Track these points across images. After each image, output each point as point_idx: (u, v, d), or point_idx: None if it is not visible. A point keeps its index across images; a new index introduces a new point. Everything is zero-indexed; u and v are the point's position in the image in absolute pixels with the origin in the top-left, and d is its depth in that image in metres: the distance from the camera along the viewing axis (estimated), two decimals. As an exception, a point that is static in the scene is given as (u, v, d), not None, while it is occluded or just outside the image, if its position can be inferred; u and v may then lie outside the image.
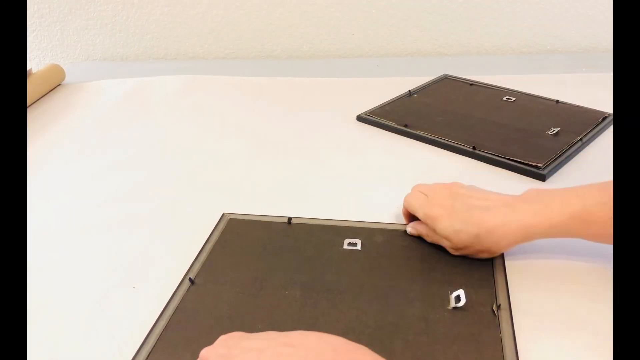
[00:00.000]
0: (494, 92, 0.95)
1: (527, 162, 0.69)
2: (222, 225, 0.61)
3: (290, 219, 0.61)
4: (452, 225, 0.52)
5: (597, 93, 0.91)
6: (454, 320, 0.46)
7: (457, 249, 0.53)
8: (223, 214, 0.63)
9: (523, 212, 0.50)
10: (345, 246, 0.56)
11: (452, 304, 0.48)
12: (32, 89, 1.01)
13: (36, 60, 1.34)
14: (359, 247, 0.56)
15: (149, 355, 0.45)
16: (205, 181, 0.72)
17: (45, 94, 1.06)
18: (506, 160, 0.71)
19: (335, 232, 0.59)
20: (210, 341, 0.42)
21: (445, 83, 1.01)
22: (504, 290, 0.50)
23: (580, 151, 0.74)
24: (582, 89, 0.94)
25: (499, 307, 0.47)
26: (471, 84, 0.99)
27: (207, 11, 1.25)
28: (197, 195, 0.69)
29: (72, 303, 0.52)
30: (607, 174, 0.68)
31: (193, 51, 1.30)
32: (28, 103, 1.00)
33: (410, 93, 0.96)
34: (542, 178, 0.68)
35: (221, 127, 0.89)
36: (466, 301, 0.47)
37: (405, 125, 0.82)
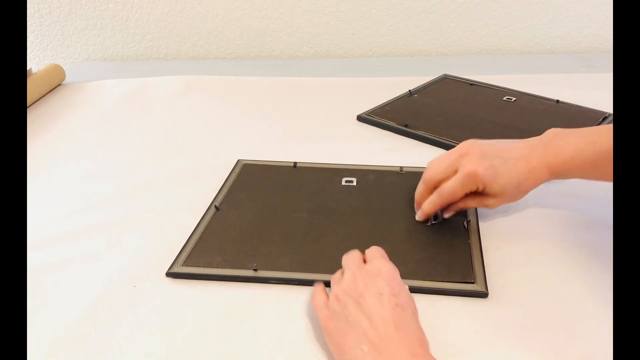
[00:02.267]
0: (494, 92, 0.95)
1: (527, 162, 0.69)
2: (237, 169, 0.72)
3: (295, 163, 0.72)
4: (498, 181, 0.53)
5: (597, 93, 0.91)
6: (432, 232, 0.58)
7: (496, 203, 0.56)
8: (238, 160, 0.74)
9: (543, 156, 0.53)
10: (343, 183, 0.67)
11: (431, 221, 0.59)
12: (32, 89, 1.01)
13: (36, 60, 1.34)
14: (354, 184, 0.67)
15: (187, 259, 0.55)
16: (206, 181, 0.72)
17: (45, 94, 1.05)
18: (506, 160, 0.71)
19: (335, 172, 0.70)
20: (235, 249, 0.56)
21: (445, 83, 1.01)
22: (473, 213, 0.60)
23: (580, 151, 0.74)
24: (582, 89, 0.94)
25: (468, 222, 0.58)
26: (471, 84, 0.99)
27: (207, 11, 1.25)
28: (196, 191, 0.69)
29: (72, 303, 0.52)
30: (607, 174, 0.68)
31: (193, 51, 1.30)
32: (28, 103, 1.00)
33: (410, 93, 0.96)
34: (542, 178, 0.68)
35: (221, 127, 0.88)
36: (441, 219, 0.59)
37: (406, 125, 0.82)
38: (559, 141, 0.54)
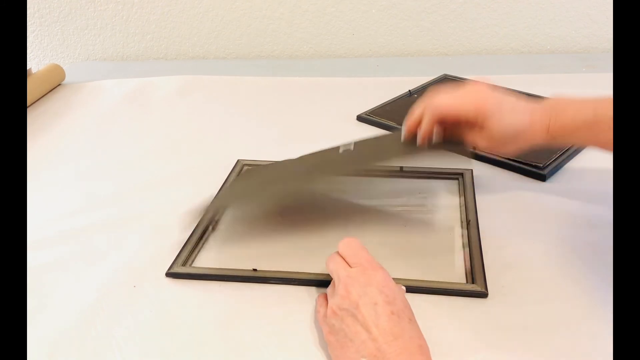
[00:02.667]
0: (494, 92, 0.95)
1: (528, 162, 0.69)
2: (237, 169, 0.73)
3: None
4: (501, 119, 0.53)
5: (597, 93, 0.91)
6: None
7: (485, 144, 0.55)
8: (238, 160, 0.74)
9: (544, 116, 0.52)
10: (341, 151, 0.66)
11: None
12: (32, 89, 1.01)
13: (36, 60, 1.34)
14: (351, 148, 0.65)
15: (186, 259, 0.56)
16: (205, 181, 0.72)
17: (45, 94, 1.05)
18: (506, 161, 0.71)
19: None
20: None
21: (445, 83, 1.01)
22: (473, 211, 0.60)
23: (580, 151, 0.74)
24: (582, 89, 0.94)
25: (468, 221, 0.58)
26: (471, 84, 0.99)
27: (207, 11, 1.25)
28: (196, 191, 0.69)
29: (72, 303, 0.52)
30: (607, 174, 0.68)
31: (193, 51, 1.30)
32: (28, 103, 1.00)
33: (410, 93, 0.96)
34: (543, 178, 0.67)
35: (221, 127, 0.88)
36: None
37: (406, 125, 0.82)
38: (559, 105, 0.53)
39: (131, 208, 0.67)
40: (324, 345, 0.44)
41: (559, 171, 0.69)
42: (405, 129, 0.59)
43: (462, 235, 0.57)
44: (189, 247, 0.57)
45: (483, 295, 0.49)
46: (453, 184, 0.67)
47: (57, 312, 0.51)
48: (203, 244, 0.59)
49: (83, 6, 1.26)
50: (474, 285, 0.50)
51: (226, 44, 1.29)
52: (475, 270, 0.52)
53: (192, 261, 0.56)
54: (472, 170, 0.68)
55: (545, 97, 0.55)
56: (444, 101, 0.55)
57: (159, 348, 0.46)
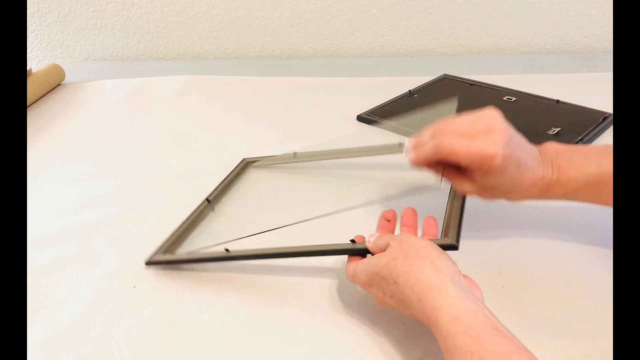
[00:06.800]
0: (494, 92, 0.95)
1: (527, 162, 0.69)
2: (239, 168, 0.73)
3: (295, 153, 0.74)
4: (502, 175, 0.47)
5: (597, 93, 0.91)
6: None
7: (474, 192, 0.50)
8: (243, 159, 0.75)
9: (546, 172, 0.48)
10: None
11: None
12: (32, 89, 1.01)
13: (36, 60, 1.34)
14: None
15: (168, 247, 0.57)
16: (205, 181, 0.72)
17: (45, 94, 1.06)
18: (506, 160, 0.71)
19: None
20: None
21: (445, 83, 1.01)
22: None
23: (580, 151, 0.74)
24: (582, 89, 0.94)
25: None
26: (471, 84, 0.99)
27: (207, 11, 1.25)
28: (196, 191, 0.69)
29: (72, 303, 0.52)
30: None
31: (193, 51, 1.30)
32: (28, 103, 1.00)
33: (410, 93, 0.96)
34: (542, 178, 0.67)
35: (221, 127, 0.89)
36: None
37: (406, 125, 0.82)
38: (561, 160, 0.49)
39: (131, 208, 0.67)
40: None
41: (559, 171, 0.69)
42: (410, 157, 0.52)
43: (448, 201, 0.56)
44: (174, 237, 0.59)
45: (454, 247, 0.48)
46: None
47: (57, 312, 0.51)
48: (187, 233, 0.61)
49: (83, 6, 1.26)
50: (446, 239, 0.49)
51: (226, 43, 1.29)
52: (451, 227, 0.51)
53: (172, 249, 0.58)
54: None
55: (545, 144, 0.51)
56: (459, 149, 0.47)
57: (159, 348, 0.46)
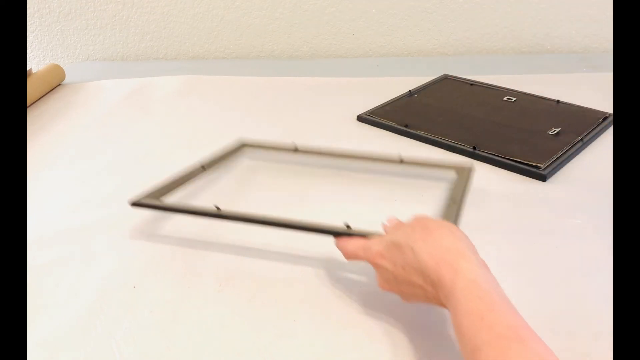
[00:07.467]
0: (494, 92, 0.95)
1: (528, 162, 0.69)
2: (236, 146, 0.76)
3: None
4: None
5: (597, 93, 0.91)
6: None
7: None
8: (239, 140, 0.78)
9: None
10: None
11: None
12: (32, 89, 1.01)
13: (36, 60, 1.34)
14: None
15: (153, 192, 0.60)
16: (205, 180, 0.72)
17: (45, 94, 1.05)
18: (507, 161, 0.71)
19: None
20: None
21: (446, 83, 1.01)
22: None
23: (580, 151, 0.74)
24: (582, 89, 0.94)
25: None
26: (471, 84, 0.99)
27: (207, 11, 1.25)
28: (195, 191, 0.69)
29: (72, 303, 0.52)
30: (607, 174, 0.68)
31: (193, 51, 1.30)
32: (28, 103, 1.00)
33: (410, 93, 0.96)
34: (543, 178, 0.67)
35: (221, 127, 0.88)
36: None
37: (406, 125, 0.82)
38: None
39: (131, 208, 0.67)
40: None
41: (559, 171, 0.69)
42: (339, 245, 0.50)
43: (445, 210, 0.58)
44: (161, 184, 0.62)
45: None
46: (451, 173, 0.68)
47: (57, 312, 0.51)
48: (174, 184, 0.64)
49: (83, 6, 1.26)
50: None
51: (226, 43, 1.29)
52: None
53: (157, 195, 0.60)
54: (472, 167, 0.68)
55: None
56: (349, 250, 0.47)
57: (159, 348, 0.46)
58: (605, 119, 0.81)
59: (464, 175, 0.64)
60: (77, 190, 0.72)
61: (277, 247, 0.58)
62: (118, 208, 0.67)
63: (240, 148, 0.76)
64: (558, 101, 0.89)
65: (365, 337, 0.46)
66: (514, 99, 0.91)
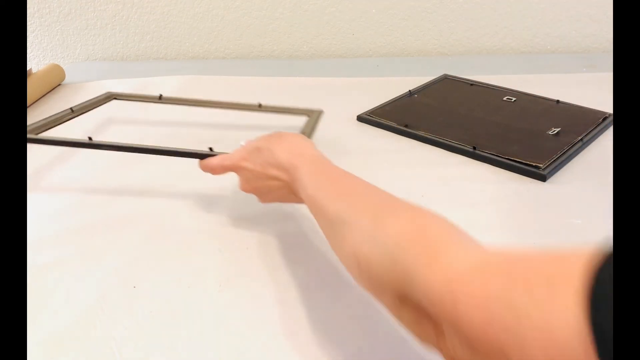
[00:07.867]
0: (494, 92, 0.95)
1: (528, 162, 0.69)
2: None
3: None
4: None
5: (598, 93, 0.91)
6: None
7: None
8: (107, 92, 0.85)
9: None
10: None
11: None
12: (32, 89, 1.01)
13: (36, 60, 1.34)
14: None
15: None
16: (205, 181, 0.72)
17: (45, 94, 1.05)
18: (507, 161, 0.71)
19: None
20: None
21: (446, 83, 1.01)
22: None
23: (580, 151, 0.74)
24: (582, 89, 0.94)
25: None
26: (471, 84, 0.99)
27: (207, 11, 1.25)
28: (196, 192, 0.69)
29: (72, 303, 0.52)
30: (607, 174, 0.68)
31: (193, 51, 1.30)
32: (28, 103, 1.00)
33: (410, 93, 0.96)
34: (543, 178, 0.68)
35: (221, 127, 0.88)
36: None
37: (406, 126, 0.82)
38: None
39: (131, 208, 0.67)
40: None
41: (559, 171, 0.70)
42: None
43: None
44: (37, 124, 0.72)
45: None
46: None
47: (57, 312, 0.51)
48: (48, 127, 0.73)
49: (83, 6, 1.26)
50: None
51: (226, 43, 1.29)
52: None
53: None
54: (322, 110, 0.80)
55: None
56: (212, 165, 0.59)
57: (159, 348, 0.46)
58: (605, 119, 0.81)
59: (313, 117, 0.77)
60: (77, 190, 0.72)
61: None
62: (118, 208, 0.67)
63: (108, 98, 0.85)
64: (558, 101, 0.89)
65: (367, 343, 0.46)
66: (514, 99, 0.91)
